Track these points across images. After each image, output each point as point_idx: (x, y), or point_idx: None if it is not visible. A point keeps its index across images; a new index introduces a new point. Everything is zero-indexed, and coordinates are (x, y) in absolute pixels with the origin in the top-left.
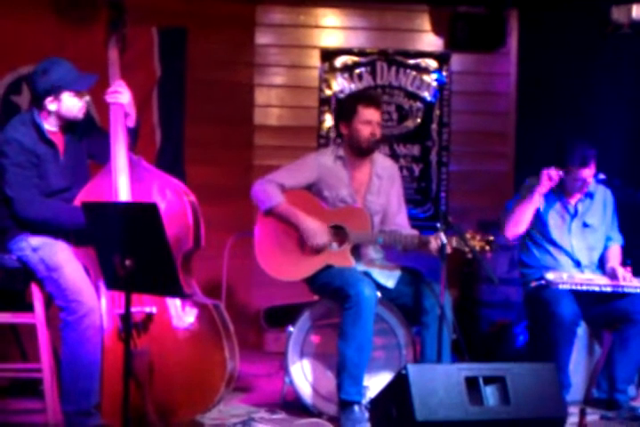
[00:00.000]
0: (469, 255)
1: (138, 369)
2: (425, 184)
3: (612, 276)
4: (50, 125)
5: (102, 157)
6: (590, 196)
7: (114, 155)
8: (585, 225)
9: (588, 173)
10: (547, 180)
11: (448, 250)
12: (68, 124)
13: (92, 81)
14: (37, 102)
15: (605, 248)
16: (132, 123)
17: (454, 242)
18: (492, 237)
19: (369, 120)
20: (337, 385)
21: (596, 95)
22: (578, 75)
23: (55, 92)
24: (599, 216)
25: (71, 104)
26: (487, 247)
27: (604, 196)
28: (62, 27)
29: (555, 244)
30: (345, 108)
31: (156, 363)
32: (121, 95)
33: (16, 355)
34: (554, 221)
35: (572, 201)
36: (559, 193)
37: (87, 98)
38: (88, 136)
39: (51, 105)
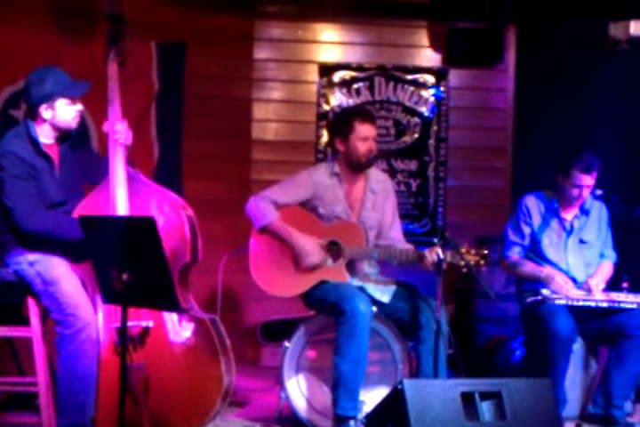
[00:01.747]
0: (464, 270)
1: (134, 383)
2: (422, 199)
3: (587, 289)
4: (45, 138)
5: (95, 178)
6: (586, 213)
7: (112, 169)
8: (581, 242)
9: (588, 180)
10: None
11: (444, 266)
12: (62, 136)
13: (85, 88)
14: (32, 111)
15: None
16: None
17: (449, 257)
18: (486, 252)
19: (366, 136)
20: (332, 400)
21: (594, 111)
22: (575, 90)
23: (49, 99)
24: (595, 233)
25: (65, 112)
26: (482, 262)
27: (599, 212)
28: (61, 40)
29: (550, 262)
30: (341, 124)
31: (152, 377)
32: (125, 138)
33: (12, 369)
34: (549, 239)
35: (568, 218)
36: (555, 210)
37: (80, 107)
38: (83, 157)
39: (45, 113)
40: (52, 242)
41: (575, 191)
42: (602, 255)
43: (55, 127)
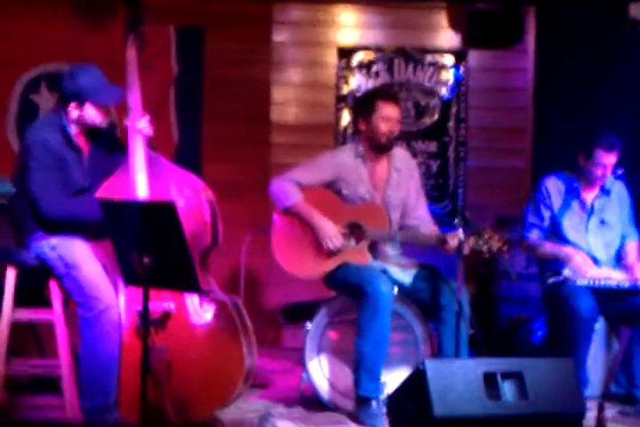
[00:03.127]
0: (487, 256)
1: (156, 366)
2: (442, 180)
3: (630, 272)
4: (75, 129)
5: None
6: (607, 193)
7: (132, 152)
8: (602, 222)
9: (611, 159)
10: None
11: (466, 250)
12: (92, 129)
13: (116, 96)
14: (63, 105)
15: (622, 246)
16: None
17: (471, 242)
18: (509, 237)
19: (388, 116)
20: (354, 381)
21: (614, 91)
22: (595, 70)
23: (79, 100)
24: (616, 213)
25: (93, 115)
26: (505, 248)
27: (619, 193)
28: (80, 25)
29: (571, 243)
30: (364, 103)
31: (173, 359)
32: (148, 129)
33: (34, 352)
34: (569, 221)
35: (589, 198)
36: (576, 190)
37: (111, 112)
38: (112, 146)
39: (73, 111)
40: (74, 225)
41: (598, 171)
42: (624, 236)
43: (83, 123)
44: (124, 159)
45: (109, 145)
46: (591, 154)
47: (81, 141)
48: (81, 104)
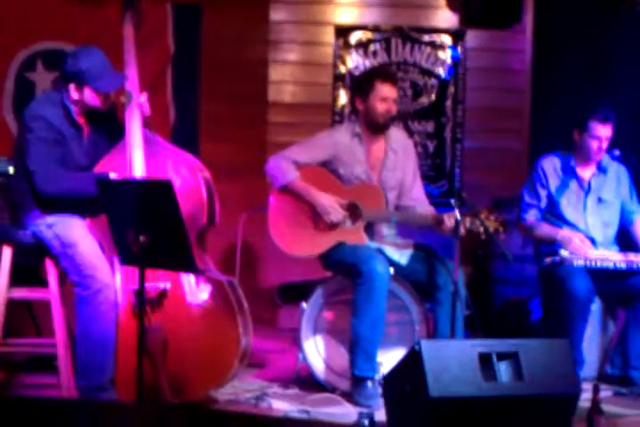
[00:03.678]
0: (483, 236)
1: (152, 345)
2: (439, 161)
3: None
4: (76, 109)
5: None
6: (604, 171)
7: (129, 131)
8: (600, 200)
9: (606, 131)
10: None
11: (462, 231)
12: (93, 112)
13: (117, 84)
14: (64, 84)
15: (630, 223)
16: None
17: (468, 223)
18: (506, 218)
19: (386, 96)
20: (350, 361)
21: (612, 72)
22: (593, 51)
23: (78, 82)
24: (613, 191)
25: (92, 99)
26: (501, 229)
27: (617, 171)
28: (76, 3)
29: (568, 223)
30: (362, 83)
31: (169, 339)
32: (146, 108)
33: (31, 330)
34: (567, 200)
35: (586, 176)
36: (573, 170)
37: (112, 100)
38: (112, 126)
39: (73, 93)
40: (70, 202)
41: (594, 144)
42: (632, 211)
43: (82, 106)
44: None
45: (110, 129)
46: (586, 126)
47: (81, 119)
48: (80, 87)
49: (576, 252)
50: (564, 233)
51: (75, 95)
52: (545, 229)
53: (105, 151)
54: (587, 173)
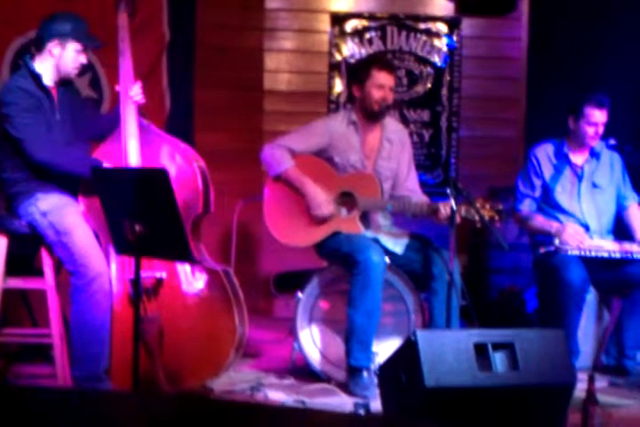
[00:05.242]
0: (479, 225)
1: (148, 335)
2: (435, 150)
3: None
4: (45, 78)
5: (101, 134)
6: (597, 156)
7: (124, 119)
8: (594, 186)
9: (601, 117)
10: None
11: (457, 219)
12: (61, 82)
13: (98, 45)
14: (40, 44)
15: (624, 208)
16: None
17: (463, 211)
18: (501, 207)
19: (382, 84)
20: (345, 351)
21: (608, 60)
22: (589, 39)
23: (63, 37)
24: (607, 177)
25: (71, 57)
26: (496, 217)
27: (610, 158)
28: None
29: (563, 210)
30: (359, 70)
31: (165, 328)
32: (140, 96)
33: (26, 320)
34: (561, 187)
35: (579, 163)
36: (566, 156)
37: (84, 60)
38: (83, 108)
39: (54, 49)
40: (62, 180)
41: (590, 130)
42: (625, 197)
43: (56, 69)
44: (103, 124)
45: (81, 105)
46: (582, 112)
47: (53, 91)
48: (63, 42)
49: (571, 243)
50: (557, 226)
51: (55, 51)
52: (538, 222)
53: (80, 130)
54: (579, 158)
